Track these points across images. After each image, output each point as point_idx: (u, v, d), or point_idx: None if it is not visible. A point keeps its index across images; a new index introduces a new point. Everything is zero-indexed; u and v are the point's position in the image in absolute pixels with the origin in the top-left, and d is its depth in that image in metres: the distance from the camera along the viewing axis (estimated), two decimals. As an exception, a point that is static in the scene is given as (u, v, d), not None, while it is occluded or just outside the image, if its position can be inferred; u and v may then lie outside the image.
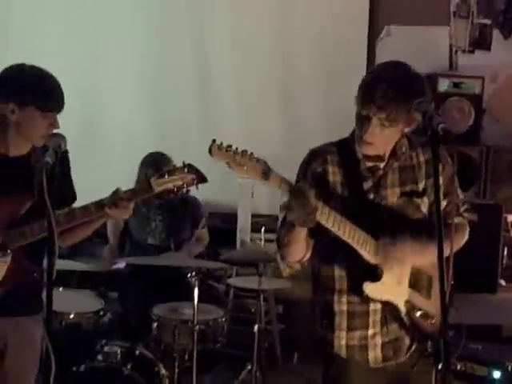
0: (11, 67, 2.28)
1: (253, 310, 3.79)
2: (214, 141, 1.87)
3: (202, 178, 2.29)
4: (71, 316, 3.13)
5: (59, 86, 2.26)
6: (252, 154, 1.89)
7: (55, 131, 2.04)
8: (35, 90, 2.20)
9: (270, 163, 1.92)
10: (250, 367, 3.48)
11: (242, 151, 1.87)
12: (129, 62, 4.91)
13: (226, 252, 4.40)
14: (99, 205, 2.19)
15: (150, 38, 4.92)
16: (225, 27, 4.92)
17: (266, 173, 1.88)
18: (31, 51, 4.77)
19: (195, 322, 3.03)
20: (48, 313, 1.80)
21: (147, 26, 4.93)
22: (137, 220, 3.79)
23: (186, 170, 2.26)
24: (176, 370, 3.17)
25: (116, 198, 2.22)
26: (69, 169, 2.41)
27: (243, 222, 4.62)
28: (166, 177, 2.24)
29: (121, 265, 3.71)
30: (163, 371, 3.10)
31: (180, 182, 2.25)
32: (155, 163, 3.69)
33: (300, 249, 2.07)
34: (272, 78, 4.91)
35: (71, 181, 2.45)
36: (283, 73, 4.92)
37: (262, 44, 4.90)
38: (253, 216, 4.59)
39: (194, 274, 3.01)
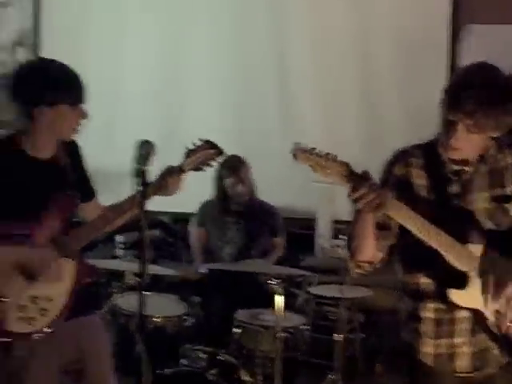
0: (29, 67, 2.27)
1: (333, 318, 3.74)
2: (297, 144, 1.86)
3: (220, 152, 2.36)
4: (157, 319, 3.20)
5: (79, 75, 2.24)
6: (336, 156, 1.86)
7: (144, 138, 2.01)
8: (64, 87, 2.19)
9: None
10: (331, 376, 3.44)
11: (326, 154, 1.85)
12: (209, 64, 4.96)
13: (305, 258, 4.39)
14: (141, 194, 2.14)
15: (229, 40, 4.96)
16: (304, 28, 4.90)
17: (349, 175, 1.85)
18: (112, 51, 4.95)
19: (278, 329, 3.02)
20: (141, 317, 1.84)
21: (228, 29, 4.97)
22: (214, 228, 3.84)
23: (205, 146, 2.34)
24: (258, 377, 3.18)
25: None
26: (81, 161, 2.41)
27: (323, 228, 4.59)
28: (191, 156, 2.31)
29: (204, 270, 3.75)
30: (246, 377, 3.12)
31: (203, 159, 2.32)
32: (231, 166, 3.74)
33: (368, 245, 2.00)
34: (351, 79, 4.87)
35: (88, 173, 2.44)
36: (363, 73, 4.87)
37: (342, 44, 4.87)
38: (333, 222, 4.56)
39: (276, 280, 3.00)
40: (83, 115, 2.24)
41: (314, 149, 1.86)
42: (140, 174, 1.92)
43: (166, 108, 4.96)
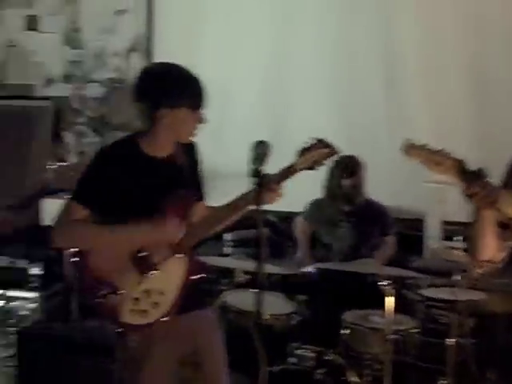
0: (153, 70, 2.34)
1: (444, 321, 3.65)
2: (408, 140, 1.86)
3: (333, 151, 2.37)
4: (265, 317, 3.22)
5: (200, 80, 2.29)
6: (449, 152, 1.84)
7: (259, 139, 2.05)
8: (186, 90, 2.24)
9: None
10: (442, 382, 3.36)
11: (439, 150, 1.84)
12: (315, 64, 4.96)
13: (413, 260, 4.31)
14: (253, 191, 2.17)
15: (335, 40, 4.94)
16: (412, 27, 4.80)
17: (463, 171, 1.83)
18: (223, 53, 5.05)
19: (388, 331, 2.99)
20: (258, 314, 1.89)
21: (333, 28, 4.95)
22: (324, 226, 3.85)
23: (319, 145, 2.35)
24: (366, 379, 3.17)
25: (268, 182, 2.23)
26: (197, 162, 2.46)
27: (432, 229, 4.49)
28: (305, 155, 2.33)
29: (310, 269, 3.77)
30: (353, 378, 3.12)
31: (317, 158, 2.34)
32: (350, 168, 3.74)
33: (488, 244, 1.97)
34: (461, 78, 4.73)
35: (201, 175, 2.48)
36: (474, 72, 4.73)
37: (451, 43, 4.74)
38: (443, 223, 4.44)
39: (387, 281, 2.98)
40: (201, 120, 2.30)
41: (425, 145, 1.86)
42: (256, 174, 1.96)
43: (273, 108, 5.01)
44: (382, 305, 3.04)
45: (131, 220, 2.21)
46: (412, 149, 1.86)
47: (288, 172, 2.32)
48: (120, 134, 5.28)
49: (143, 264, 2.24)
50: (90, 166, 2.28)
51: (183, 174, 2.34)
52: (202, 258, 2.48)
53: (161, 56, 5.21)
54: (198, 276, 2.34)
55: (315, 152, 2.33)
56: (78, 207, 2.22)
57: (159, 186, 2.28)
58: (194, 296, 2.32)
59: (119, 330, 2.27)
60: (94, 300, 2.20)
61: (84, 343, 3.49)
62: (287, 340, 3.26)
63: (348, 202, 3.83)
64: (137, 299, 2.23)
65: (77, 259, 2.23)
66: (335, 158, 3.71)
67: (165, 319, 2.27)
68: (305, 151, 2.33)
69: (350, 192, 3.80)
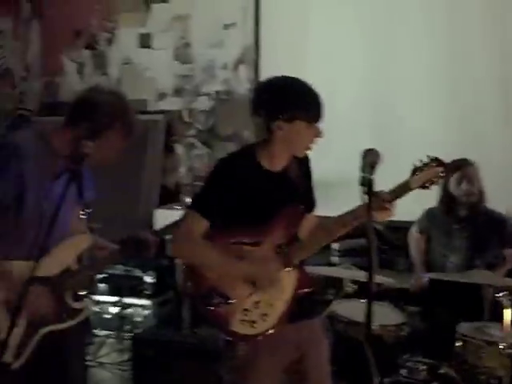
0: (272, 83, 2.32)
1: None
2: None
3: (448, 170, 2.36)
4: (375, 328, 3.20)
5: (319, 94, 2.29)
6: None
7: (369, 147, 2.04)
8: (302, 103, 2.24)
9: None
10: None
11: None
12: (430, 76, 4.84)
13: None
14: (364, 208, 2.15)
15: (451, 50, 4.81)
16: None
17: None
18: (329, 63, 5.04)
19: (507, 344, 2.87)
20: (368, 325, 1.88)
21: (447, 39, 4.83)
22: (439, 235, 3.72)
23: (433, 164, 2.33)
24: (482, 394, 3.06)
25: (380, 200, 2.25)
26: (311, 175, 2.47)
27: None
28: (418, 173, 2.32)
29: (425, 280, 3.68)
30: (468, 393, 3.02)
31: (430, 177, 2.32)
32: (455, 165, 3.61)
33: None
34: None
35: (312, 187, 2.48)
36: None
37: None
38: None
39: (504, 293, 2.87)
40: (318, 134, 2.30)
41: None
42: (367, 182, 1.95)
43: (381, 118, 4.93)
44: (498, 317, 2.92)
45: (246, 230, 2.27)
46: None
47: (401, 190, 2.31)
48: (228, 145, 5.52)
49: (254, 279, 2.28)
50: (209, 178, 2.32)
51: (296, 188, 2.36)
52: (310, 268, 2.50)
53: (268, 67, 5.30)
54: (306, 290, 2.36)
55: (429, 171, 2.32)
56: (198, 218, 2.26)
57: (274, 199, 2.30)
58: (302, 306, 2.34)
59: (228, 338, 2.32)
60: (206, 308, 2.26)
61: (195, 349, 3.59)
62: (398, 352, 3.20)
63: (464, 211, 3.68)
64: (247, 310, 2.28)
65: (191, 269, 2.30)
66: (451, 161, 3.67)
67: (271, 331, 2.30)
68: (418, 170, 2.32)
69: (466, 200, 3.65)
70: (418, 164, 2.33)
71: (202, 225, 2.27)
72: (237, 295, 2.27)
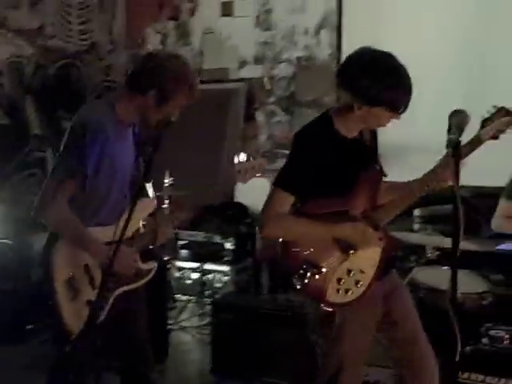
0: (362, 60, 2.25)
1: None
2: None
3: None
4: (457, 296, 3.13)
5: (411, 84, 2.23)
6: None
7: (459, 108, 1.99)
8: (391, 94, 2.20)
9: None
10: None
11: None
12: (449, 51, 4.70)
13: None
14: (445, 168, 2.17)
15: (474, 24, 4.65)
16: None
17: None
18: (412, 27, 4.88)
19: None
20: (454, 291, 1.95)
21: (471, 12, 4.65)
22: None
23: (501, 113, 2.30)
24: None
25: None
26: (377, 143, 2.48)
27: None
28: (487, 126, 2.29)
29: (509, 246, 3.55)
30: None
31: (499, 126, 2.29)
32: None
33: None
34: None
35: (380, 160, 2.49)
36: None
37: None
38: None
39: None
40: (397, 118, 2.27)
41: None
42: (454, 144, 1.90)
43: (467, 82, 4.76)
44: None
45: (333, 198, 2.29)
46: None
47: (473, 144, 2.27)
48: (309, 112, 5.48)
49: (346, 244, 2.32)
50: (291, 154, 2.34)
51: (372, 152, 2.41)
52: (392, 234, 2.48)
53: (350, 32, 5.23)
54: (394, 252, 2.41)
55: (497, 121, 2.28)
56: (285, 195, 2.29)
57: (353, 164, 2.32)
58: (386, 264, 2.38)
59: (327, 308, 2.36)
60: (302, 282, 2.29)
61: (273, 314, 3.64)
62: (480, 320, 3.13)
63: None
64: (340, 279, 2.31)
65: (283, 246, 2.32)
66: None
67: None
68: (487, 121, 2.29)
69: None
70: (486, 115, 2.30)
71: (288, 201, 2.29)
72: (329, 264, 2.30)
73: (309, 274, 2.27)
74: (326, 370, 2.39)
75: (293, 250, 2.30)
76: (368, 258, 2.34)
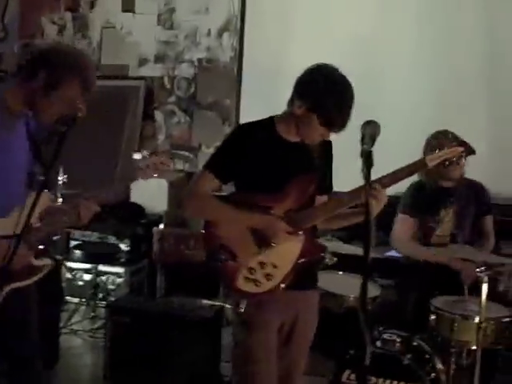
0: (322, 70, 2.33)
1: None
2: None
3: (470, 151, 2.35)
4: (351, 299, 3.22)
5: (350, 106, 2.28)
6: None
7: (371, 118, 2.00)
8: (332, 115, 2.26)
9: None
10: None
11: None
12: (413, 51, 4.83)
13: (505, 246, 4.15)
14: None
15: (435, 25, 4.79)
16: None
17: None
18: (315, 36, 4.97)
19: (482, 319, 2.90)
20: (363, 298, 1.90)
21: (432, 12, 4.80)
22: (426, 208, 3.62)
23: (455, 143, 2.37)
24: (452, 367, 3.09)
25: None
26: (331, 159, 2.53)
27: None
28: (437, 151, 2.33)
29: (395, 253, 3.68)
30: (440, 366, 3.05)
31: (450, 156, 2.33)
32: (438, 143, 3.57)
33: None
34: None
35: (331, 172, 2.54)
36: None
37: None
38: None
39: (480, 268, 2.89)
40: (326, 136, 2.35)
41: None
42: (366, 155, 1.91)
43: (364, 94, 4.89)
44: (474, 292, 2.95)
45: (259, 193, 2.35)
46: None
47: (416, 167, 2.36)
48: (208, 114, 5.46)
49: (261, 238, 2.36)
50: (227, 140, 2.43)
51: (312, 160, 2.42)
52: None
53: (252, 36, 5.26)
54: (313, 257, 2.42)
55: (449, 150, 2.33)
56: (211, 177, 2.38)
57: (288, 166, 2.38)
58: (305, 276, 2.41)
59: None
60: (214, 262, 2.36)
61: (168, 317, 3.59)
62: (373, 324, 3.22)
63: (450, 182, 3.56)
64: (252, 269, 2.36)
65: (203, 228, 2.41)
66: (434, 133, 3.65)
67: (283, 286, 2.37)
68: (437, 148, 2.35)
69: (452, 173, 3.54)
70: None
71: (213, 184, 2.39)
72: (243, 254, 2.35)
73: (223, 258, 2.35)
74: (236, 365, 2.45)
75: (213, 231, 2.38)
76: (284, 255, 2.37)
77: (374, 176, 1.97)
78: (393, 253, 3.80)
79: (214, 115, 5.45)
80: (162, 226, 4.71)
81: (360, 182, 1.97)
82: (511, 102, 4.63)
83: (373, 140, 1.92)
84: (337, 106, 2.26)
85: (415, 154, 3.69)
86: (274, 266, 2.36)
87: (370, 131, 1.93)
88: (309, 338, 2.55)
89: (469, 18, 4.72)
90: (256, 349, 2.38)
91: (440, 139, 3.42)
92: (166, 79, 5.60)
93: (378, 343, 3.06)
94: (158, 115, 5.61)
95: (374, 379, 2.96)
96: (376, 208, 2.23)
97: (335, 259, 3.41)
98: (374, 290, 3.35)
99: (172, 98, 5.59)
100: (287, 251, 2.37)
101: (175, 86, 5.58)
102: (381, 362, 2.96)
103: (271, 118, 2.44)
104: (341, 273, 3.45)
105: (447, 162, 2.34)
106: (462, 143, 2.36)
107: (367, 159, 1.89)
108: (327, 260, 3.43)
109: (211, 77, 5.48)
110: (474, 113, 4.67)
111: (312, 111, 2.28)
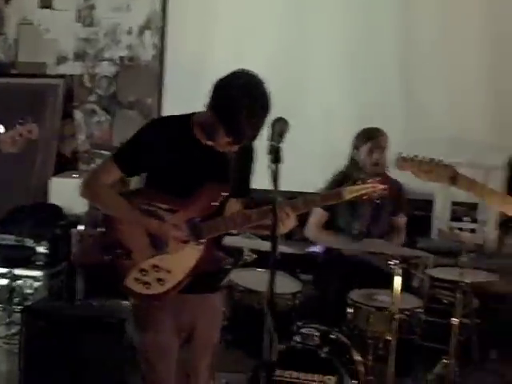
0: (239, 74, 2.23)
1: (447, 301, 3.66)
2: (399, 153, 2.06)
3: (391, 191, 2.34)
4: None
5: (260, 119, 2.17)
6: (441, 160, 1.98)
7: (280, 115, 1.97)
8: (229, 116, 2.15)
9: (472, 147, 1.92)
10: (445, 361, 3.36)
11: (430, 159, 1.98)
12: (331, 39, 4.94)
13: (421, 240, 4.29)
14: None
15: (353, 13, 4.91)
16: (433, 5, 4.78)
17: (454, 177, 1.98)
18: (237, 32, 5.01)
19: (395, 310, 2.98)
20: (271, 293, 1.94)
21: (350, 9, 4.92)
22: (344, 206, 3.72)
23: (376, 179, 2.33)
24: (369, 358, 3.17)
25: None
26: (252, 161, 2.42)
27: (441, 210, 4.47)
28: (359, 184, 2.31)
29: (318, 248, 3.74)
30: (357, 357, 3.12)
31: (371, 191, 2.30)
32: (368, 134, 3.66)
33: None
34: (478, 65, 4.70)
35: (250, 174, 2.45)
36: (492, 59, 4.70)
37: (470, 27, 4.71)
38: (452, 204, 4.43)
39: (394, 261, 2.97)
40: (231, 147, 2.24)
41: (416, 156, 2.02)
42: (274, 151, 1.92)
43: (286, 83, 4.95)
44: (388, 285, 3.03)
45: (164, 195, 2.28)
46: (403, 161, 1.98)
47: (332, 197, 2.34)
48: (130, 113, 5.39)
49: (158, 241, 2.31)
50: (137, 133, 2.34)
51: (226, 166, 2.31)
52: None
53: (174, 35, 5.23)
54: (210, 269, 2.34)
55: (370, 185, 2.30)
56: (113, 166, 2.32)
57: (200, 170, 2.29)
58: (203, 281, 2.34)
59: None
60: (108, 256, 2.31)
61: (88, 321, 3.51)
62: (293, 319, 3.26)
63: (367, 172, 3.62)
64: (144, 270, 2.30)
65: (104, 221, 2.38)
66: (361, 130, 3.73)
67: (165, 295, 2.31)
68: (360, 181, 2.32)
69: (374, 170, 3.56)
70: (364, 176, 2.39)
71: (114, 174, 2.32)
72: (139, 253, 2.30)
73: (117, 252, 2.30)
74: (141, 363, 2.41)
75: (112, 224, 2.33)
76: (179, 262, 2.30)
77: (283, 171, 1.97)
78: (314, 248, 3.86)
79: (136, 114, 5.39)
80: (81, 227, 4.62)
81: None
82: (427, 99, 4.78)
83: (281, 136, 1.93)
84: (244, 119, 2.14)
85: (338, 148, 3.83)
86: (168, 272, 2.30)
87: (279, 128, 1.94)
88: (212, 340, 2.49)
89: (385, 18, 4.85)
90: (150, 349, 2.35)
91: (372, 133, 3.64)
92: (85, 77, 5.50)
93: (297, 338, 3.09)
94: (78, 114, 5.51)
95: (292, 373, 2.98)
96: (283, 229, 2.18)
97: (254, 256, 3.45)
98: (294, 286, 3.40)
99: (92, 97, 5.50)
100: (183, 259, 2.31)
101: (96, 84, 5.49)
102: (299, 357, 3.01)
103: (189, 116, 2.33)
104: (260, 270, 3.46)
105: (366, 197, 2.31)
106: (385, 181, 2.31)
107: (275, 155, 1.91)
108: (246, 257, 3.46)
109: (133, 75, 5.42)
110: (392, 110, 4.79)
111: (219, 120, 2.17)
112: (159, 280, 2.30)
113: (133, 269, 2.30)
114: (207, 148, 2.28)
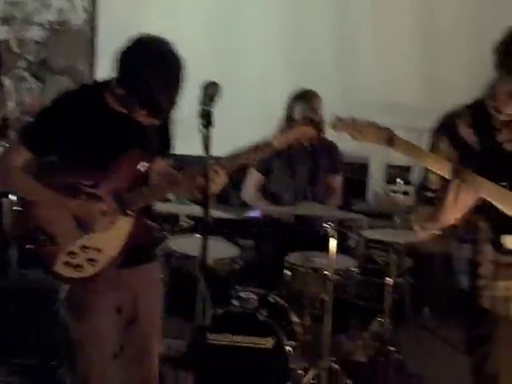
0: (142, 40, 2.11)
1: (382, 261, 3.76)
2: (335, 115, 2.00)
3: (319, 133, 2.26)
4: (209, 261, 3.23)
5: (173, 89, 2.09)
6: (375, 122, 1.97)
7: (211, 79, 1.93)
8: (146, 92, 2.04)
9: (405, 110, 1.94)
10: (380, 319, 3.47)
11: (366, 121, 1.97)
12: (264, 5, 4.92)
13: (356, 203, 4.37)
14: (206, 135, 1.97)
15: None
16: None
17: (391, 138, 1.97)
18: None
19: (331, 271, 3.04)
20: (203, 258, 1.92)
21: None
22: (281, 166, 3.72)
23: (305, 122, 2.35)
24: (306, 319, 3.23)
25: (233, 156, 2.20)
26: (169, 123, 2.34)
27: (376, 173, 4.56)
28: (286, 131, 2.29)
29: (256, 213, 3.76)
30: (295, 319, 3.18)
31: (301, 135, 2.24)
32: (302, 95, 3.68)
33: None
34: (410, 22, 4.79)
35: (170, 131, 2.36)
36: (421, 17, 4.79)
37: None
38: (387, 167, 4.52)
39: (330, 224, 3.02)
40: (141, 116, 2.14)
41: (352, 117, 1.99)
42: (206, 115, 1.89)
43: (221, 50, 4.91)
44: (325, 247, 3.08)
45: (82, 170, 2.17)
46: (339, 122, 1.98)
47: (263, 149, 2.21)
48: (62, 79, 5.25)
49: (83, 221, 2.20)
50: (44, 109, 2.20)
51: (146, 133, 2.20)
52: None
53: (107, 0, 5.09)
54: (142, 241, 2.26)
55: (298, 130, 2.24)
56: (20, 148, 2.18)
57: (116, 140, 2.18)
58: (137, 253, 2.26)
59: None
60: (32, 247, 2.20)
61: (22, 291, 3.46)
62: (231, 284, 3.28)
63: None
64: (73, 253, 2.20)
65: (21, 205, 2.22)
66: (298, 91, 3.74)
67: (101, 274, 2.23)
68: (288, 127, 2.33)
69: (304, 119, 3.58)
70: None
71: (22, 155, 2.17)
72: (63, 237, 2.19)
73: (40, 239, 2.18)
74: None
75: (30, 209, 2.20)
76: (109, 239, 2.21)
77: (216, 136, 1.95)
78: (252, 213, 3.88)
79: (68, 80, 5.25)
80: (13, 197, 4.49)
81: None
82: (362, 64, 4.84)
83: (212, 100, 1.91)
84: (158, 93, 2.04)
85: (273, 112, 3.83)
86: (98, 250, 2.21)
87: (210, 92, 1.92)
88: (157, 310, 2.42)
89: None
90: (86, 339, 2.24)
91: (305, 94, 3.67)
92: (13, 42, 5.30)
93: (236, 302, 3.12)
94: (7, 81, 5.31)
95: (227, 336, 3.01)
96: (214, 188, 2.10)
97: (192, 222, 3.44)
98: (232, 251, 3.41)
99: (22, 63, 5.31)
100: (113, 234, 2.21)
101: (24, 49, 5.30)
102: (238, 320, 3.05)
103: (101, 84, 2.20)
104: (198, 235, 3.46)
105: (296, 142, 2.26)
106: (314, 124, 2.26)
107: (207, 119, 1.89)
108: (183, 223, 3.45)
109: (63, 40, 5.26)
110: (327, 73, 4.82)
111: (131, 95, 2.08)
112: (90, 260, 2.20)
113: (60, 253, 2.19)
114: (122, 116, 2.17)
